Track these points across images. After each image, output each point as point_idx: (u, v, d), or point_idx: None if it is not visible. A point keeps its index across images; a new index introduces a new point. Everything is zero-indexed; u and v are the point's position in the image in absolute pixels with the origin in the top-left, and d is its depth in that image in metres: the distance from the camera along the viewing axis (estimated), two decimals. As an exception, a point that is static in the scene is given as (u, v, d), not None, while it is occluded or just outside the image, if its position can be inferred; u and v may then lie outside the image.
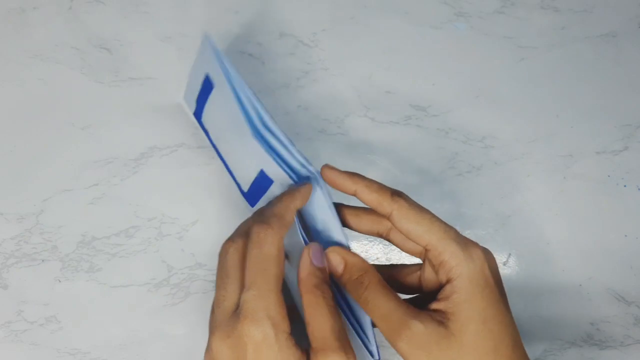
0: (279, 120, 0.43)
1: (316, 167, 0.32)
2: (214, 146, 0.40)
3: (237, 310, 0.27)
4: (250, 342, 0.26)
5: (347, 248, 0.31)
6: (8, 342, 0.39)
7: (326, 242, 0.32)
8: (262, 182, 0.34)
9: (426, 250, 0.29)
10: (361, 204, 0.32)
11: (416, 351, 0.27)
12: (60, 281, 0.40)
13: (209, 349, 0.27)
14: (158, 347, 0.39)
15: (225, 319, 0.27)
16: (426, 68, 0.45)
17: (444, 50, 0.45)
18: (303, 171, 0.32)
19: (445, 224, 0.29)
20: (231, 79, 0.32)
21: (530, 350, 0.39)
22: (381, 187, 0.31)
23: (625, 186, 0.43)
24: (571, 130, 0.44)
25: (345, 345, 0.27)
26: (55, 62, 0.43)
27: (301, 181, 0.31)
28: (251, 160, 0.33)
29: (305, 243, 0.30)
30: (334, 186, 0.31)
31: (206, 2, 0.45)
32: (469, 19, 0.45)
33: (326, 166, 0.32)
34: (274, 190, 0.33)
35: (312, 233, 0.33)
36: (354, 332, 0.31)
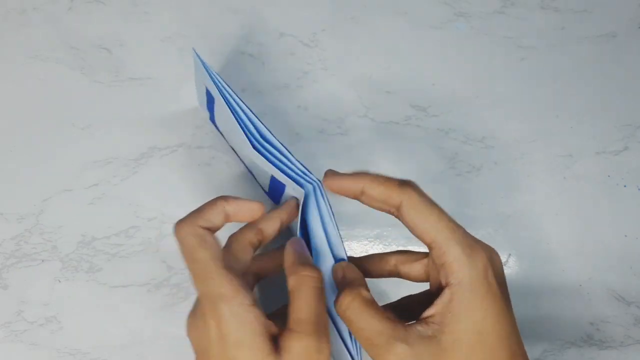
0: (279, 120, 0.43)
1: (318, 167, 0.32)
2: (232, 149, 0.41)
3: (289, 349, 0.26)
4: (210, 320, 0.26)
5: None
6: (8, 342, 0.39)
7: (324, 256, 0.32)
8: (276, 185, 0.35)
9: (430, 247, 0.28)
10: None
11: None
12: (60, 281, 0.40)
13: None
14: (158, 347, 0.39)
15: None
16: (426, 68, 0.45)
17: (444, 50, 0.45)
18: (302, 180, 0.31)
19: (453, 222, 0.28)
20: (224, 93, 0.32)
21: (530, 350, 0.39)
22: (388, 178, 0.29)
23: (625, 186, 0.43)
24: (571, 130, 0.44)
25: (320, 330, 0.26)
26: (55, 62, 0.43)
27: (303, 188, 0.31)
28: (263, 167, 0.33)
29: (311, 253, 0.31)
30: (340, 193, 0.30)
31: (206, 2, 0.45)
32: (469, 19, 0.45)
33: (327, 176, 0.30)
34: (289, 192, 0.33)
35: (311, 246, 0.32)
36: (335, 330, 0.30)
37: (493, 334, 0.26)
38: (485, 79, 0.45)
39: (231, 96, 0.32)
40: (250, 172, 0.41)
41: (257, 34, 0.44)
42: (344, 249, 0.31)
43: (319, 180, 0.31)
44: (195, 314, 0.28)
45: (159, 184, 0.41)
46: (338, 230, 0.31)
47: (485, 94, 0.44)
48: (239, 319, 0.26)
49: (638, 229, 0.42)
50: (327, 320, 0.28)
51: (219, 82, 0.32)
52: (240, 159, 0.41)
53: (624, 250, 0.42)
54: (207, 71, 0.32)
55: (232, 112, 0.32)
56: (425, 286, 0.31)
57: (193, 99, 0.42)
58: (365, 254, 0.33)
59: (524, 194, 0.43)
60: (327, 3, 0.45)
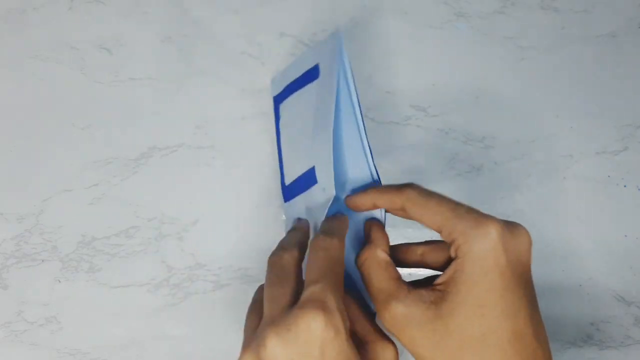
0: (279, 120, 0.43)
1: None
2: (277, 132, 0.40)
3: (298, 304, 0.25)
4: (319, 334, 0.24)
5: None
6: (8, 342, 0.39)
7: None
8: (307, 179, 0.34)
9: (441, 233, 0.28)
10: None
11: (396, 332, 0.27)
12: (60, 281, 0.40)
13: (259, 348, 0.25)
14: (158, 347, 0.39)
15: (282, 313, 0.26)
16: (426, 68, 0.45)
17: (444, 50, 0.45)
18: (369, 182, 0.33)
19: (454, 202, 0.28)
20: (348, 79, 0.33)
21: (530, 350, 0.39)
22: (390, 185, 0.31)
23: (625, 186, 0.43)
24: (571, 130, 0.44)
25: (333, 288, 0.26)
26: (55, 62, 0.43)
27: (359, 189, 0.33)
28: (309, 155, 0.34)
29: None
30: (358, 209, 0.33)
31: (206, 2, 0.45)
32: (469, 19, 0.45)
33: (347, 198, 0.33)
34: (313, 192, 0.33)
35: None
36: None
37: (494, 310, 0.26)
38: (485, 79, 0.45)
39: (353, 86, 0.34)
40: (281, 160, 0.39)
41: (257, 34, 0.44)
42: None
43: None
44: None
45: (159, 184, 0.41)
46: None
47: (485, 94, 0.44)
48: (348, 342, 0.26)
49: (638, 229, 0.42)
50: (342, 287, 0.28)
51: (349, 70, 0.34)
52: (279, 145, 0.40)
53: (624, 250, 0.42)
54: (341, 55, 0.33)
55: (349, 97, 0.34)
56: None
57: (193, 99, 0.42)
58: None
59: (524, 194, 0.43)
60: (327, 3, 0.45)
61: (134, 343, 0.39)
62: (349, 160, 0.34)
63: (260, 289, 0.31)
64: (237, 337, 0.29)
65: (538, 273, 0.42)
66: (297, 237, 0.32)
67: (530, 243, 0.27)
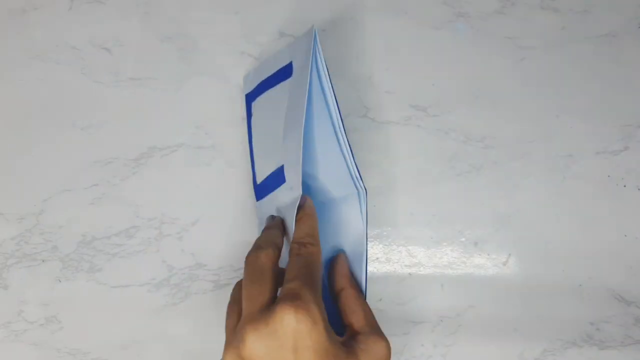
0: (279, 120, 0.43)
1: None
2: (249, 130, 0.40)
3: (276, 300, 0.26)
4: (293, 326, 0.25)
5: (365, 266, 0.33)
6: (8, 342, 0.39)
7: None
8: (275, 179, 0.34)
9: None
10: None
11: None
12: (60, 281, 0.40)
13: (240, 345, 0.26)
14: (158, 347, 0.39)
15: (260, 310, 0.26)
16: (426, 68, 0.45)
17: (444, 50, 0.45)
18: (348, 184, 0.33)
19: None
20: (321, 77, 0.33)
21: (530, 350, 0.39)
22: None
23: (625, 186, 0.43)
24: (571, 130, 0.44)
25: (310, 286, 0.27)
26: (55, 62, 0.43)
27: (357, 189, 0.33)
28: (279, 154, 0.33)
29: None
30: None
31: (206, 2, 0.45)
32: (469, 19, 0.45)
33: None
34: (280, 192, 0.33)
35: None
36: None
37: None
38: (486, 79, 0.45)
39: (328, 84, 0.33)
40: (252, 159, 0.40)
41: (257, 34, 0.44)
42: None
43: (364, 189, 0.33)
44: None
45: (159, 184, 0.41)
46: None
47: (485, 94, 0.44)
48: (328, 335, 0.27)
49: (638, 229, 0.42)
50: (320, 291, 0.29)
51: (323, 68, 0.33)
52: (250, 143, 0.40)
53: (624, 250, 0.42)
54: (315, 52, 0.33)
55: (322, 94, 0.33)
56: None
57: (193, 99, 0.42)
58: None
59: (524, 194, 0.43)
60: (327, 3, 0.45)
61: (134, 343, 0.39)
62: (322, 159, 0.33)
63: (238, 287, 0.32)
64: (237, 337, 0.29)
65: (538, 273, 0.42)
66: (272, 236, 0.32)
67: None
